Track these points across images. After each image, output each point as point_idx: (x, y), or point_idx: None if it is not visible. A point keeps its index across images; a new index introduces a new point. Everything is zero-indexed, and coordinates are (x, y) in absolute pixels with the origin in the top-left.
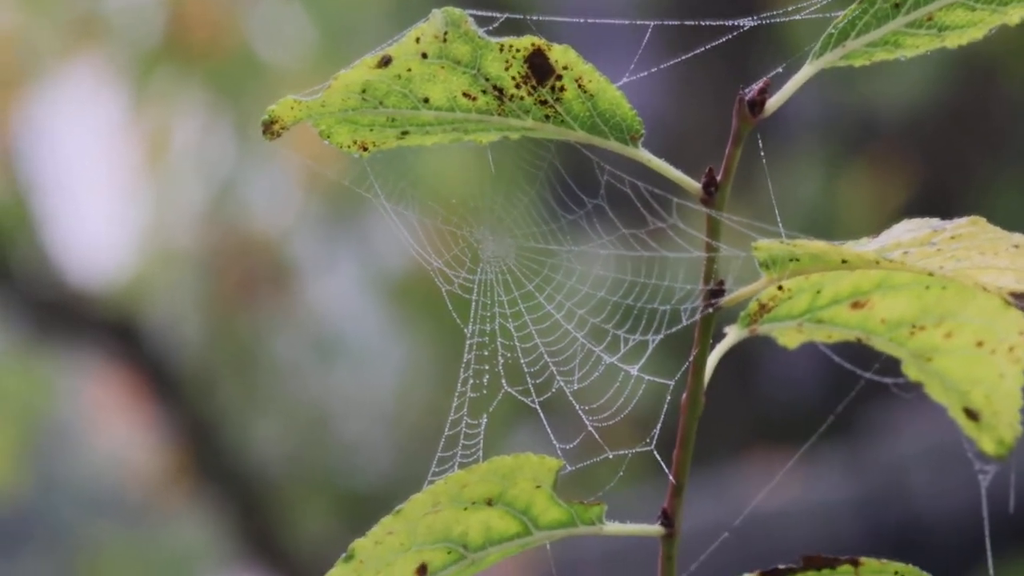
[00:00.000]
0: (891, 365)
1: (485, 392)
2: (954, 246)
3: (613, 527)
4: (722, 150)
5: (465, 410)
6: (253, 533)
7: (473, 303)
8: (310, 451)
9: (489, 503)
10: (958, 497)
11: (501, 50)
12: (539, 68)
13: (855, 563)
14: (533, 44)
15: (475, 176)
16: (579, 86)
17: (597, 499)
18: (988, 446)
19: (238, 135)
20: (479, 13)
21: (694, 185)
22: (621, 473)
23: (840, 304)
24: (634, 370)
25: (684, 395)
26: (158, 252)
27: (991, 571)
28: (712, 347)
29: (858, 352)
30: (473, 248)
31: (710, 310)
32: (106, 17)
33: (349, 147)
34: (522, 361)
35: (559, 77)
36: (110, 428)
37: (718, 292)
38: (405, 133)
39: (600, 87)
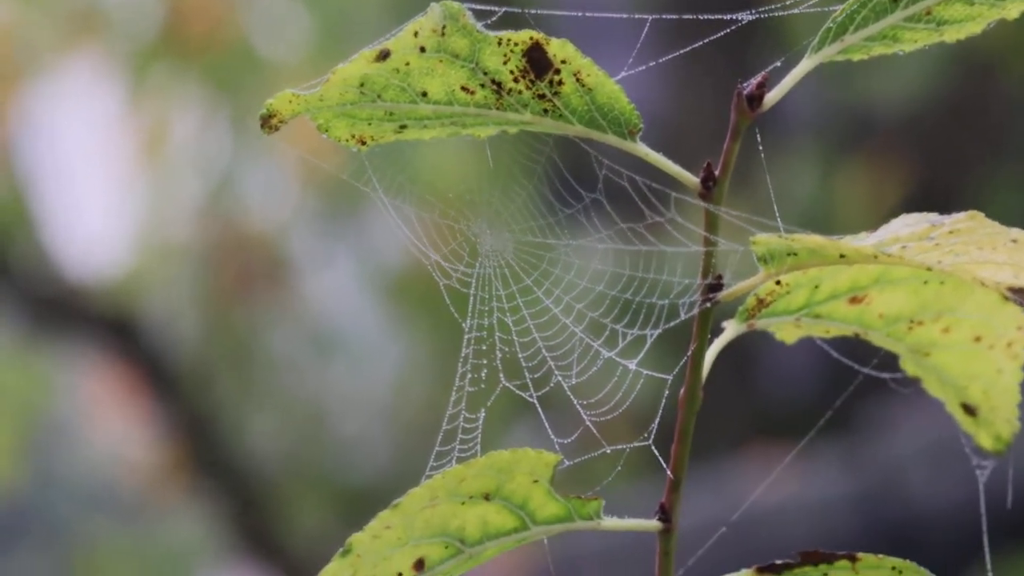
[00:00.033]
0: (889, 360)
1: (483, 386)
2: (952, 241)
3: (611, 522)
4: (720, 145)
5: (463, 404)
6: (250, 529)
7: (471, 297)
8: (307, 447)
9: (487, 497)
10: (956, 493)
11: (499, 44)
12: (537, 62)
13: (852, 559)
14: (531, 38)
15: (473, 170)
16: (577, 80)
17: (595, 494)
18: (986, 442)
19: (236, 130)
20: (477, 7)
21: (692, 179)
22: (619, 468)
23: (838, 299)
24: (632, 365)
25: (682, 390)
26: (155, 247)
27: (989, 567)
28: (710, 342)
29: (856, 347)
30: (471, 242)
31: (708, 305)
32: (104, 11)
33: (347, 141)
34: (520, 355)
35: (557, 71)
36: (107, 424)
37: (716, 286)
38: (403, 127)
39: (598, 81)
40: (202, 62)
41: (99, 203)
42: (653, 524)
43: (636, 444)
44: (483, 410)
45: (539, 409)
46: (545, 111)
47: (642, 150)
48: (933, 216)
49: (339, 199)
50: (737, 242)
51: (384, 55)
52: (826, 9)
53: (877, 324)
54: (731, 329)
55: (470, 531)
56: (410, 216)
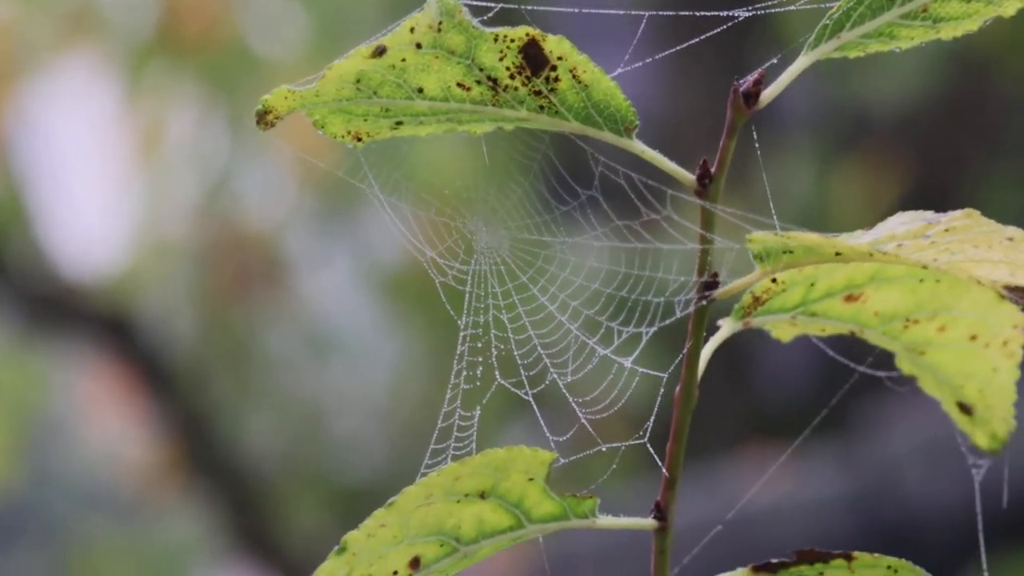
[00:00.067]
0: (885, 359)
1: (479, 384)
2: (948, 239)
3: (606, 520)
4: (716, 142)
5: (458, 402)
6: (246, 528)
7: (467, 295)
8: (303, 446)
9: (482, 496)
10: (951, 492)
11: (495, 40)
12: (533, 59)
13: (848, 558)
14: (528, 34)
15: (469, 167)
16: (573, 77)
17: (590, 492)
18: (981, 440)
19: (232, 129)
20: (474, 3)
21: (688, 177)
22: (614, 466)
23: (834, 297)
24: (628, 362)
25: (678, 388)
26: (151, 246)
27: (984, 566)
28: (706, 340)
29: (852, 346)
30: (467, 239)
31: (704, 302)
32: (100, 10)
33: (343, 137)
34: (516, 353)
35: (553, 68)
36: (103, 423)
37: (712, 284)
38: (399, 123)
39: (594, 78)
40: (198, 61)
41: (95, 202)
42: (649, 523)
43: (632, 442)
44: (478, 408)
45: (534, 407)
46: (541, 108)
47: (638, 147)
48: (929, 214)
49: (336, 198)
50: (733, 240)
51: (380, 51)
52: (823, 6)
53: (873, 322)
54: (727, 327)
55: (465, 529)
56: (406, 213)
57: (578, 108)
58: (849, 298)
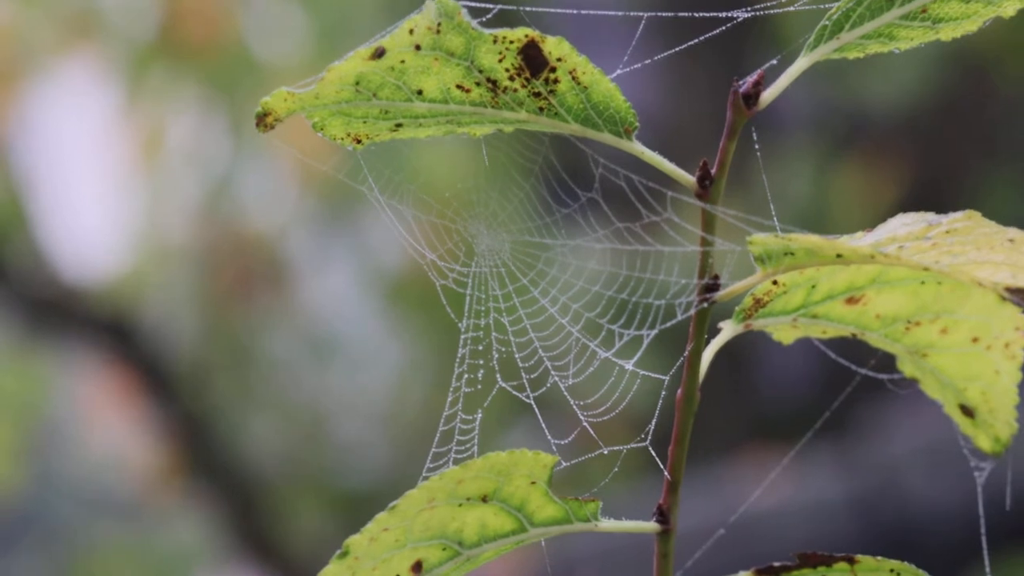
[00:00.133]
0: (886, 362)
1: (480, 387)
2: (949, 241)
3: (609, 524)
4: (716, 143)
5: (460, 405)
6: (248, 531)
7: (468, 297)
8: (305, 449)
9: (484, 500)
10: (953, 495)
11: (495, 42)
12: (533, 60)
13: (851, 561)
14: (527, 36)
15: (469, 170)
16: (573, 78)
17: (592, 496)
18: (984, 443)
19: (233, 132)
20: (473, 4)
21: (688, 179)
22: (616, 469)
23: (835, 299)
24: (629, 365)
25: (679, 391)
26: (153, 249)
27: (987, 569)
28: (707, 342)
29: (853, 348)
30: (468, 242)
31: (705, 305)
32: (101, 13)
33: (343, 140)
34: (517, 356)
35: (553, 69)
36: (105, 426)
37: (713, 286)
38: (399, 125)
39: (594, 79)
40: (199, 64)
41: (96, 205)
42: (651, 526)
43: (633, 445)
44: (480, 411)
45: (536, 410)
46: (541, 109)
47: (638, 149)
48: (930, 216)
49: (337, 201)
50: (734, 241)
51: (379, 53)
52: (822, 7)
53: (874, 325)
54: (728, 329)
55: (468, 533)
56: (407, 216)
57: (578, 109)
58: (851, 300)
